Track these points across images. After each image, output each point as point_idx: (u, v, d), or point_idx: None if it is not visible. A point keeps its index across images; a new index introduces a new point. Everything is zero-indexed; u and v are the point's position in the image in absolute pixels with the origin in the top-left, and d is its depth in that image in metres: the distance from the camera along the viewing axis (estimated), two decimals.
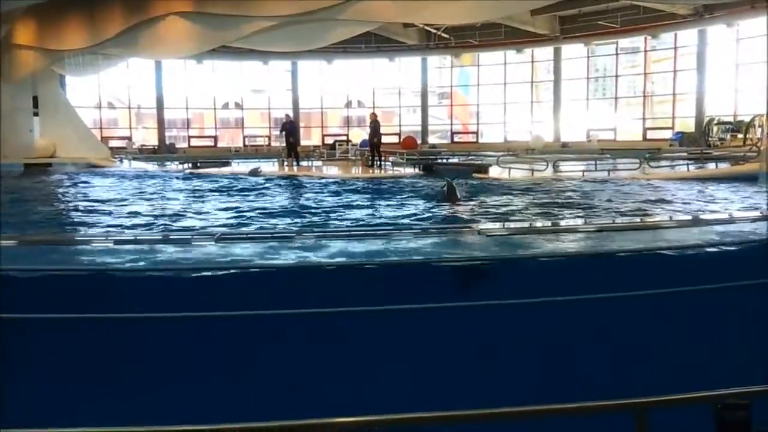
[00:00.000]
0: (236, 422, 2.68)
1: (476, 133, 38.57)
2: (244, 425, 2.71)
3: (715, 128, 29.85)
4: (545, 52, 36.58)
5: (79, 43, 26.90)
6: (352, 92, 39.26)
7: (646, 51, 34.34)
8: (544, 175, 18.71)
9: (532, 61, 37.18)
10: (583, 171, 19.24)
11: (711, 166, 20.20)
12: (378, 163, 22.89)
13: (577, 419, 3.52)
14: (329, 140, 34.94)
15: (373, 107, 36.98)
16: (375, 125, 23.48)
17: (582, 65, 36.06)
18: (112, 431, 2.89)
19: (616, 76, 35.35)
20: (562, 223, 10.72)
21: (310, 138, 37.23)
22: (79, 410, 4.18)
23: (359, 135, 35.50)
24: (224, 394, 4.80)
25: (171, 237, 8.56)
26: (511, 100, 37.46)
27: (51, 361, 5.19)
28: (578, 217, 11.22)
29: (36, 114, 30.07)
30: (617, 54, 35.09)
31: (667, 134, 32.13)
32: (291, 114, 29.75)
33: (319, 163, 26.60)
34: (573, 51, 35.63)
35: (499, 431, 2.90)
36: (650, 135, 33.32)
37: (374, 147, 23.21)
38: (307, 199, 14.53)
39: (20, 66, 28.26)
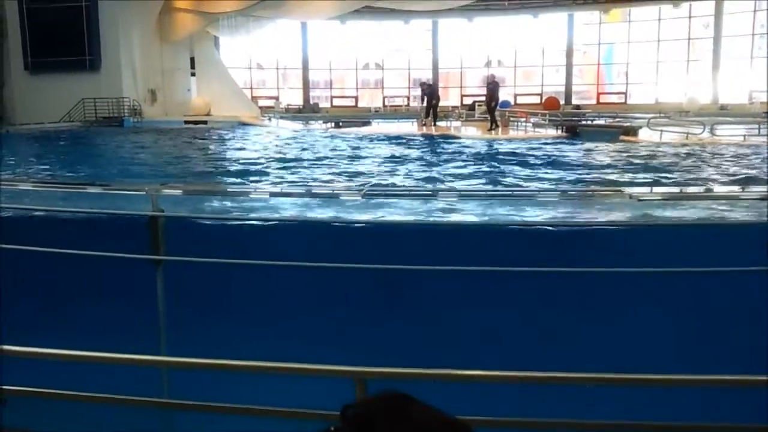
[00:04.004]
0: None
1: (624, 93, 36.67)
2: (407, 370, 2.86)
3: None
4: (705, 7, 33.89)
5: (233, 6, 28.31)
6: (492, 51, 38.40)
7: None
8: (700, 139, 17.55)
9: (690, 17, 34.59)
10: (745, 135, 17.82)
11: None
12: (493, 125, 22.60)
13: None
14: (468, 101, 34.58)
15: (515, 66, 36.16)
16: (494, 87, 23.13)
17: (747, 20, 33.08)
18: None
19: None
20: (718, 189, 10.09)
21: (448, 98, 36.97)
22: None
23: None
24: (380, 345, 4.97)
25: (318, 191, 8.88)
26: (663, 59, 35.19)
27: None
28: (737, 183, 10.49)
29: (193, 74, 32.12)
30: None
31: None
32: (430, 79, 29.97)
33: (458, 123, 26.44)
34: (736, 5, 32.76)
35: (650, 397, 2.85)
36: None
37: (490, 110, 23.14)
38: (445, 158, 14.55)
39: (179, 28, 30.20)
